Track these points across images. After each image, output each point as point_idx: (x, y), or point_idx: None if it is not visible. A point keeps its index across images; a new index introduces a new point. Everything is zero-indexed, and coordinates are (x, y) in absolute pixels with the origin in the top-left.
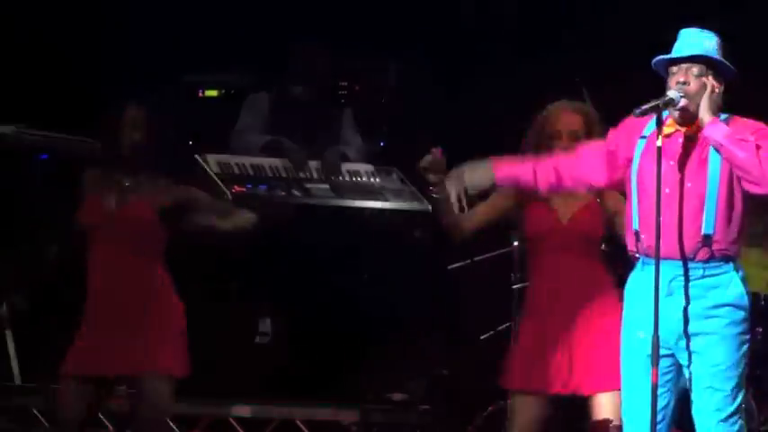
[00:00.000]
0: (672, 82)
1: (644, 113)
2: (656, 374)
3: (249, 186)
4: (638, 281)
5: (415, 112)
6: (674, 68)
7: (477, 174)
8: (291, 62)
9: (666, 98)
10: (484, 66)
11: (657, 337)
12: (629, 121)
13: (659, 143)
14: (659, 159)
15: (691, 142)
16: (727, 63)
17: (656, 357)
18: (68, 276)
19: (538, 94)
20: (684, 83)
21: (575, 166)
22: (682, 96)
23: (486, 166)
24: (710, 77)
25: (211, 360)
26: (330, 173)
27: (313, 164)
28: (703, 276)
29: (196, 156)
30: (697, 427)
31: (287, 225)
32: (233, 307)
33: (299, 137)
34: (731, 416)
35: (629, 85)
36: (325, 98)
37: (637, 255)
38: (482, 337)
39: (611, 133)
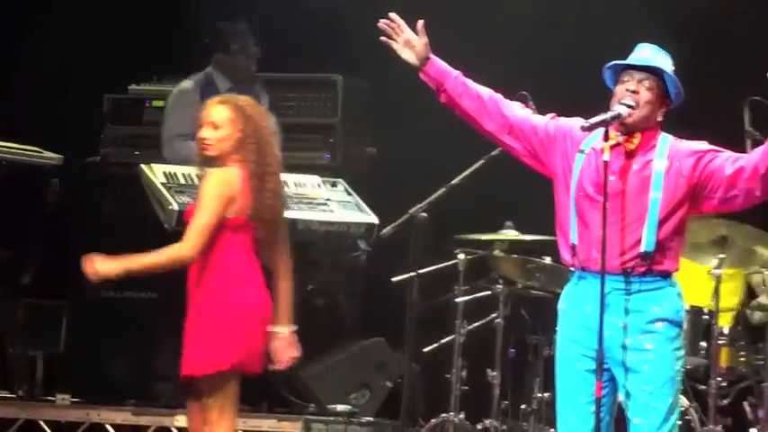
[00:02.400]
0: (621, 90)
1: (592, 127)
2: (600, 387)
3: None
4: (573, 294)
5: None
6: (626, 77)
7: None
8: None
9: (615, 113)
10: None
11: (602, 350)
12: (573, 124)
13: (606, 157)
14: (606, 173)
15: (631, 157)
16: (679, 85)
17: (599, 370)
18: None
19: None
20: (635, 92)
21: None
22: (630, 108)
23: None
24: (657, 94)
25: (156, 369)
26: None
27: None
28: (640, 291)
29: (142, 165)
30: None
31: None
32: (171, 315)
33: None
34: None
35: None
36: (246, 81)
37: (572, 269)
38: (425, 350)
39: (556, 126)
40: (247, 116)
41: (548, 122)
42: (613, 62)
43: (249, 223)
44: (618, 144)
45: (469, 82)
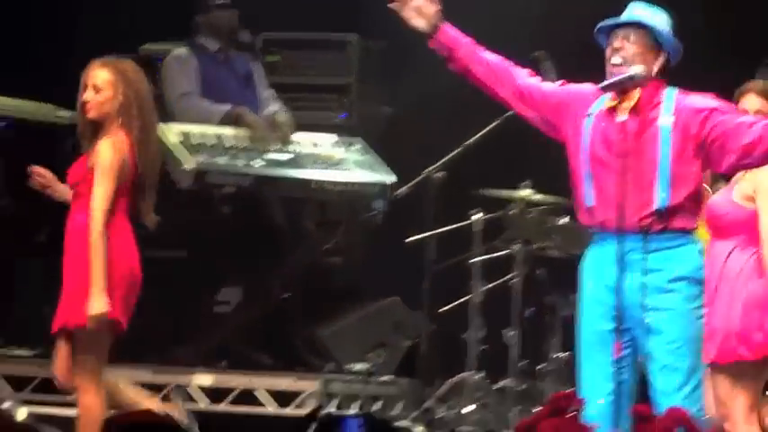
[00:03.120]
0: (608, 50)
1: (608, 88)
2: (619, 348)
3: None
4: (593, 255)
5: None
6: (612, 37)
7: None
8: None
9: (631, 73)
10: None
11: (619, 311)
12: (580, 90)
13: (623, 117)
14: (624, 134)
15: (636, 115)
16: (666, 33)
17: (618, 331)
18: None
19: None
20: (619, 48)
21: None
22: (613, 64)
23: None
24: (647, 47)
25: (173, 329)
26: (286, 139)
27: (273, 135)
28: (658, 249)
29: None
30: (657, 406)
31: (249, 195)
32: (194, 276)
33: (235, 99)
34: (692, 393)
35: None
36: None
37: (591, 229)
38: (441, 310)
39: (567, 92)
40: (129, 79)
41: (557, 89)
42: (599, 24)
43: (131, 188)
44: (621, 102)
45: (480, 49)
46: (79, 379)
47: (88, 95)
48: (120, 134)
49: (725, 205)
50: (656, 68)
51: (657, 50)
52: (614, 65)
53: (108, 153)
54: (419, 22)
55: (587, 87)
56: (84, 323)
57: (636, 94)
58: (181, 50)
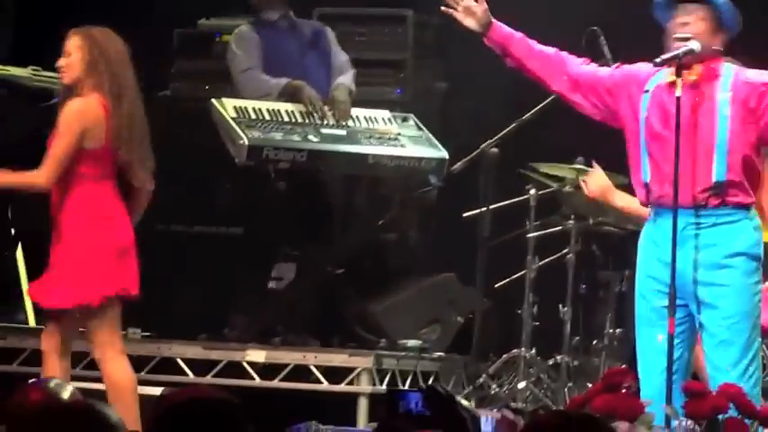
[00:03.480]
0: (673, 24)
1: (664, 63)
2: (673, 324)
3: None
4: (650, 231)
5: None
6: (677, 11)
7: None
8: None
9: (687, 48)
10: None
11: (674, 287)
12: (634, 69)
13: (678, 93)
14: (678, 109)
15: (695, 89)
16: (733, 11)
17: (672, 307)
18: None
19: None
20: (686, 23)
21: (593, 87)
22: (698, 46)
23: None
24: (712, 24)
25: (227, 305)
26: (342, 116)
27: (329, 109)
28: (715, 224)
29: (212, 100)
30: (711, 381)
31: (303, 171)
32: (247, 251)
33: (296, 68)
34: (747, 368)
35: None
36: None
37: (648, 205)
38: (497, 286)
39: (621, 77)
40: (95, 41)
41: (612, 71)
42: None
43: (111, 150)
44: (679, 77)
45: (533, 43)
46: (99, 351)
47: (60, 62)
48: (93, 96)
49: None
50: (717, 44)
51: (720, 26)
52: (678, 39)
53: (69, 111)
54: (470, 23)
55: (642, 66)
56: (86, 303)
57: (697, 69)
58: (242, 27)
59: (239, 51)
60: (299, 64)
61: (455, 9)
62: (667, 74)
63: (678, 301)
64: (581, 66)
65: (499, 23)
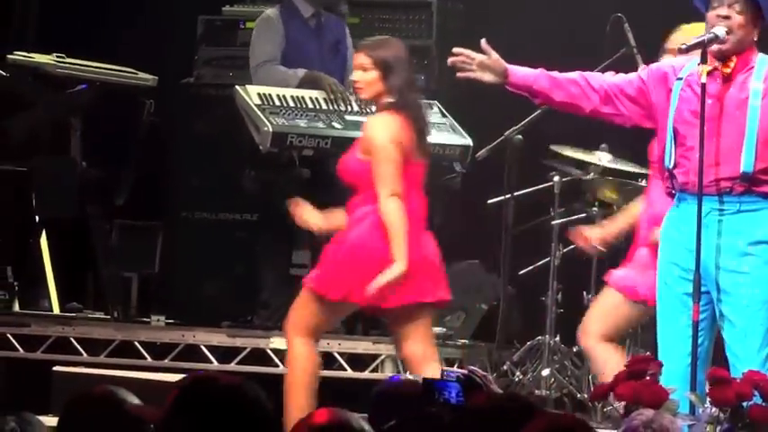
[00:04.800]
0: (712, 16)
1: (689, 50)
2: (698, 311)
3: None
4: (673, 217)
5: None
6: (716, 3)
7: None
8: None
9: (712, 34)
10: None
11: (699, 274)
12: (665, 63)
13: (704, 79)
14: (703, 96)
15: (729, 80)
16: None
17: (696, 294)
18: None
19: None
20: (726, 17)
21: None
22: (726, 33)
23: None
24: (750, 16)
25: (251, 292)
26: (365, 104)
27: (352, 96)
28: (739, 211)
29: (237, 87)
30: (732, 370)
31: (328, 158)
32: (272, 238)
33: (316, 57)
34: None
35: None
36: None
37: (672, 192)
38: (520, 273)
39: (648, 73)
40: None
41: (639, 72)
42: None
43: None
44: (715, 69)
45: (554, 74)
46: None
47: (356, 75)
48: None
49: None
50: (754, 36)
51: (757, 18)
52: (682, 49)
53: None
54: (489, 77)
55: (668, 61)
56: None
57: (733, 61)
58: (270, 13)
59: (260, 41)
60: (322, 65)
61: (470, 69)
62: (703, 66)
63: (705, 289)
64: (604, 79)
65: (515, 67)
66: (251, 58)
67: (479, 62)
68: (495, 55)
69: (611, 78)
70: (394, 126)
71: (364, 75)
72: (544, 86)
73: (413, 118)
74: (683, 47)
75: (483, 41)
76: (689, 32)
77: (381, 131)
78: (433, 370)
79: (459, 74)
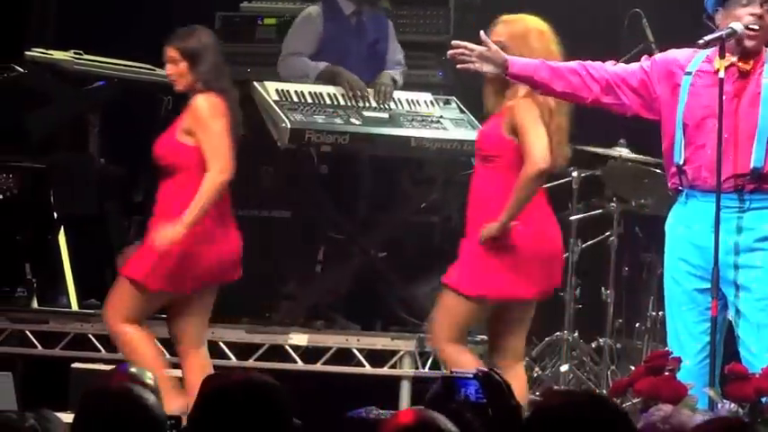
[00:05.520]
0: (742, 13)
1: (707, 45)
2: (716, 306)
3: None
4: (680, 214)
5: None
6: (751, 1)
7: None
8: None
9: (730, 30)
10: None
11: (717, 270)
12: (670, 54)
13: (722, 75)
14: (721, 91)
15: (744, 78)
16: None
17: (715, 289)
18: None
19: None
20: (760, 17)
21: (625, 83)
22: (750, 29)
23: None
24: None
25: (270, 289)
26: (384, 98)
27: (371, 92)
28: (750, 209)
29: (255, 83)
30: (746, 364)
31: (346, 154)
32: (290, 235)
33: (354, 56)
34: None
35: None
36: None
37: (680, 188)
38: None
39: (652, 65)
40: None
41: (642, 63)
42: None
43: None
44: (732, 65)
45: (554, 64)
46: None
47: None
48: None
49: None
50: None
51: None
52: (751, 29)
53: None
54: (489, 68)
55: (676, 51)
56: None
57: (752, 58)
58: (312, 10)
59: (297, 33)
60: (357, 66)
61: (470, 61)
62: (715, 60)
63: (709, 285)
64: (605, 69)
65: (514, 57)
66: (283, 46)
67: (479, 53)
68: (494, 46)
69: (612, 68)
70: (217, 104)
71: (175, 67)
72: (544, 77)
73: (226, 102)
74: (702, 42)
75: (482, 33)
76: (511, 25)
77: (207, 109)
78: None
79: (458, 66)
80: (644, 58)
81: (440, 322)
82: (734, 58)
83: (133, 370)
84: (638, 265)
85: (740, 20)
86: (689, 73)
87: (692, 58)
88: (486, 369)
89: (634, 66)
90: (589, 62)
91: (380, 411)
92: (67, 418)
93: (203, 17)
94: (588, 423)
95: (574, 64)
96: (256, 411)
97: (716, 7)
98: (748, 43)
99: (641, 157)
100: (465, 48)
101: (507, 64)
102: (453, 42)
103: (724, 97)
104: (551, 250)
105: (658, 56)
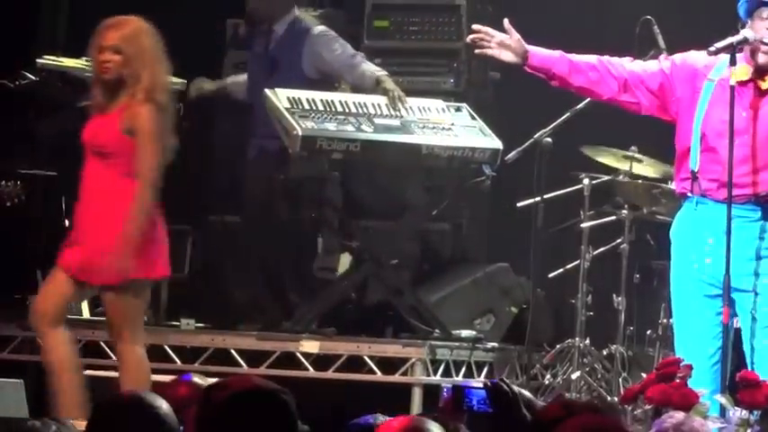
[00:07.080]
0: (761, 26)
1: (717, 52)
2: (728, 314)
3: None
4: (690, 220)
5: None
6: (766, 14)
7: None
8: None
9: (741, 37)
10: None
11: (729, 277)
12: (691, 57)
13: (732, 82)
14: (732, 98)
15: (762, 95)
16: None
17: (726, 296)
18: None
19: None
20: None
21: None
22: (763, 42)
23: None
24: None
25: (281, 296)
26: (400, 104)
27: (383, 99)
28: (760, 219)
29: (266, 91)
30: (760, 371)
31: (357, 161)
32: (300, 242)
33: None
34: None
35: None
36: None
37: (690, 194)
38: (550, 276)
39: (672, 66)
40: None
41: (661, 64)
42: None
43: None
44: (751, 80)
45: (574, 57)
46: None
47: None
48: None
49: None
50: None
51: None
52: (764, 43)
53: None
54: (507, 56)
55: (697, 54)
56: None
57: None
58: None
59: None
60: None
61: (489, 47)
62: (740, 71)
63: (719, 291)
64: (625, 66)
65: (535, 48)
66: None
67: (499, 41)
68: (516, 35)
69: (630, 66)
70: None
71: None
72: (563, 71)
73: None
74: (712, 49)
75: (506, 21)
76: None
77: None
78: None
79: (476, 51)
80: (662, 57)
81: None
82: (750, 73)
83: (196, 379)
84: (649, 273)
85: (758, 33)
86: (711, 81)
87: (714, 65)
88: (495, 380)
89: (653, 66)
90: (607, 57)
91: (386, 418)
92: (79, 425)
93: (215, 24)
94: None
95: (593, 59)
96: (262, 418)
97: (746, 18)
98: (760, 59)
99: (651, 173)
100: (486, 33)
101: (528, 55)
102: (474, 26)
103: (744, 113)
104: None
105: (678, 57)
